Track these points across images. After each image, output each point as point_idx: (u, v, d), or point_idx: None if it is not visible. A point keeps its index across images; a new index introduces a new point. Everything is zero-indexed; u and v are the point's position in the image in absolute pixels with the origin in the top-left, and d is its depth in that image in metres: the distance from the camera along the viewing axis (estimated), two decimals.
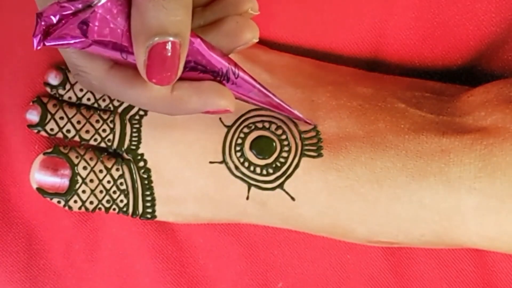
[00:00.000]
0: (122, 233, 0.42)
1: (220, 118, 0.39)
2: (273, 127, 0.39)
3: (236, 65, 0.33)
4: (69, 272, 0.42)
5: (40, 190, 0.40)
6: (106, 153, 0.41)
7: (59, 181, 0.40)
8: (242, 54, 0.40)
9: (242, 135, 0.39)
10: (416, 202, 0.37)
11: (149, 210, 0.40)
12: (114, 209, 0.40)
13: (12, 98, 0.42)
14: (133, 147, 0.40)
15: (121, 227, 0.42)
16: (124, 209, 0.40)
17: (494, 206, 0.35)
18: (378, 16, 0.41)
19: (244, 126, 0.39)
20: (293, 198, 0.38)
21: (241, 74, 0.34)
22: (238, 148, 0.38)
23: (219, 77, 0.33)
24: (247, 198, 0.39)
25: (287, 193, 0.38)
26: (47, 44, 0.29)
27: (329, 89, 0.40)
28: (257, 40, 0.35)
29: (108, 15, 0.29)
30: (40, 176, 0.40)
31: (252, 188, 0.38)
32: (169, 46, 0.29)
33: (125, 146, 0.40)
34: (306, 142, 0.38)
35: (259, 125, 0.39)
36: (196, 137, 0.39)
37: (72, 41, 0.29)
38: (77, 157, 0.40)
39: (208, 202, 0.39)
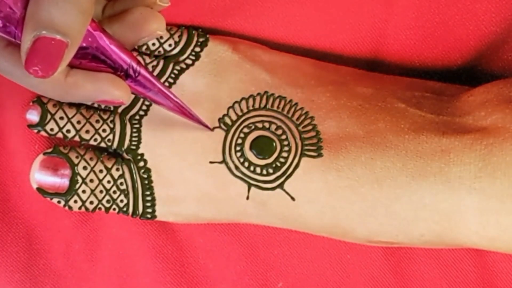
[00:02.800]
0: (122, 233, 0.42)
1: (220, 118, 0.39)
2: (273, 127, 0.39)
3: (138, 62, 0.34)
4: (69, 272, 0.42)
5: (40, 190, 0.40)
6: (106, 153, 0.41)
7: (59, 181, 0.40)
8: (242, 54, 0.40)
9: (242, 135, 0.39)
10: (416, 202, 0.37)
11: (149, 210, 0.40)
12: (114, 209, 0.40)
13: (12, 98, 0.42)
14: (133, 147, 0.40)
15: (121, 227, 0.42)
16: (124, 209, 0.40)
17: (494, 206, 0.35)
18: (378, 16, 0.41)
19: (244, 126, 0.39)
20: (293, 198, 0.38)
21: (143, 72, 0.34)
22: (238, 148, 0.38)
23: (119, 72, 0.33)
24: (247, 198, 0.39)
25: (287, 193, 0.38)
26: None
27: (329, 89, 0.40)
28: (163, 32, 0.35)
29: None
30: (40, 176, 0.40)
31: (252, 188, 0.38)
32: (53, 42, 0.29)
33: (125, 146, 0.40)
34: (306, 142, 0.38)
35: (259, 125, 0.39)
36: (196, 137, 0.39)
37: None
38: (77, 157, 0.40)
39: (208, 202, 0.39)
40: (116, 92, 0.33)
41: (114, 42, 0.33)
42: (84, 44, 0.31)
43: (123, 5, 0.35)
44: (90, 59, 0.32)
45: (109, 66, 0.33)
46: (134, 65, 0.33)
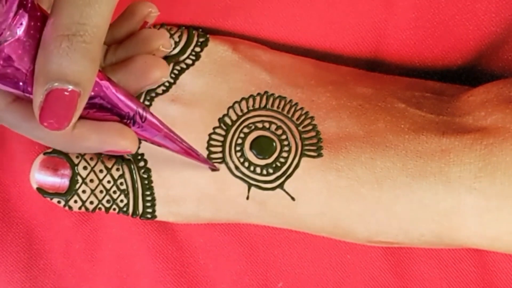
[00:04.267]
0: (122, 233, 0.42)
1: (220, 118, 0.39)
2: (273, 127, 0.39)
3: (144, 108, 0.33)
4: (69, 272, 0.42)
5: (40, 190, 0.40)
6: None
7: (59, 181, 0.40)
8: (242, 54, 0.40)
9: (242, 135, 0.39)
10: (416, 202, 0.37)
11: (149, 210, 0.40)
12: (114, 209, 0.40)
13: None
14: None
15: (121, 227, 0.42)
16: (124, 209, 0.40)
17: (494, 206, 0.35)
18: (378, 16, 0.41)
19: (244, 126, 0.39)
20: (293, 198, 0.38)
21: (149, 117, 0.33)
22: (238, 148, 0.38)
23: (126, 119, 0.33)
24: (247, 198, 0.39)
25: (287, 193, 0.38)
26: None
27: (329, 89, 0.40)
28: (166, 79, 0.35)
29: (14, 54, 0.29)
30: (40, 176, 0.40)
31: (252, 188, 0.38)
32: (67, 93, 0.29)
33: None
34: (306, 142, 0.38)
35: (259, 125, 0.39)
36: (196, 137, 0.39)
37: None
38: (77, 157, 0.40)
39: (208, 202, 0.39)
40: (122, 142, 0.33)
41: (120, 90, 0.32)
42: (92, 93, 0.31)
43: (125, 52, 0.35)
44: (96, 108, 0.32)
45: (115, 115, 0.32)
46: (141, 111, 0.33)
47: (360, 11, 0.41)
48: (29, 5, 0.29)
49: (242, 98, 0.39)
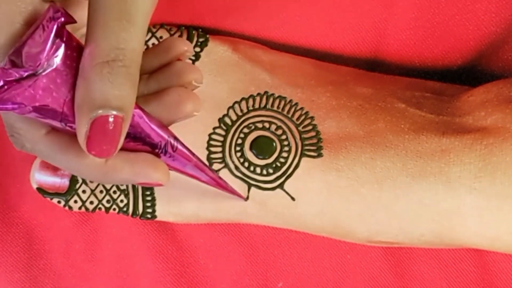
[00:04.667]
0: (122, 233, 0.42)
1: (220, 118, 0.39)
2: (273, 127, 0.39)
3: (175, 138, 0.33)
4: (69, 272, 0.42)
5: (40, 190, 0.40)
6: None
7: (59, 181, 0.40)
8: (242, 54, 0.40)
9: (242, 135, 0.39)
10: (416, 202, 0.37)
11: (149, 210, 0.40)
12: (114, 209, 0.40)
13: None
14: None
15: (121, 227, 0.42)
16: (124, 209, 0.40)
17: (494, 206, 0.35)
18: (378, 16, 0.41)
19: (244, 126, 0.39)
20: (293, 198, 0.38)
21: (180, 147, 0.33)
22: (238, 148, 0.38)
23: (157, 149, 0.33)
24: (247, 198, 0.39)
25: (287, 193, 0.38)
26: None
27: (329, 89, 0.40)
28: (198, 113, 0.34)
29: (52, 84, 0.29)
30: (40, 176, 0.40)
31: (252, 188, 0.38)
32: (111, 120, 0.28)
33: None
34: (306, 142, 0.38)
35: (259, 125, 0.39)
36: (195, 137, 0.39)
37: (12, 107, 0.28)
38: None
39: (208, 202, 0.39)
40: (155, 174, 0.32)
41: (152, 119, 0.32)
42: None
43: (157, 83, 0.35)
44: (130, 138, 0.31)
45: (147, 144, 0.32)
46: (172, 141, 0.33)
47: (360, 11, 0.41)
48: (65, 35, 0.29)
49: (242, 98, 0.39)
